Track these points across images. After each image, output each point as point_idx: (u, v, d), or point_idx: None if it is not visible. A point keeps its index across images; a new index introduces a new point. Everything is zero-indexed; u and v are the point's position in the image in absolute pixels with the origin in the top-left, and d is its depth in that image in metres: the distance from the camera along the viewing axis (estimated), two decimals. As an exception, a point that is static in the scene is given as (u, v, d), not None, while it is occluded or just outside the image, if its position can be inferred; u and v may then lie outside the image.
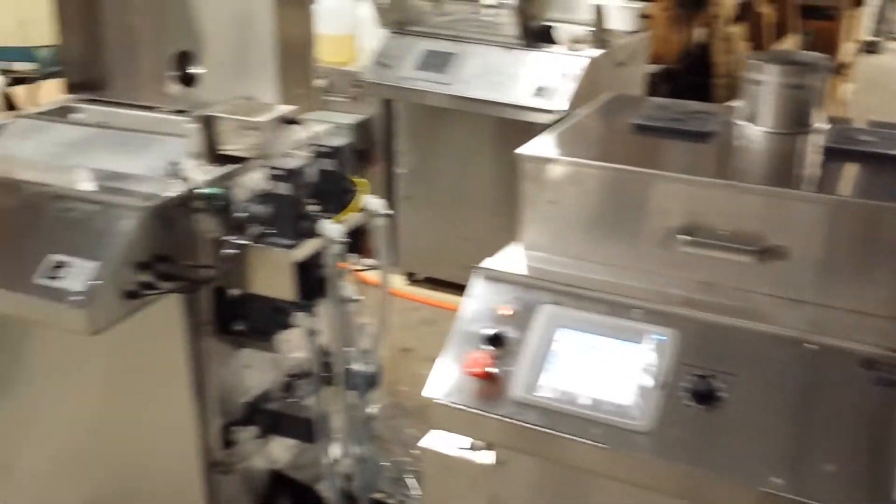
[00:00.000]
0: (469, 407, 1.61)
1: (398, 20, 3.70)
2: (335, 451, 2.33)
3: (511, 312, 1.68)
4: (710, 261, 1.66)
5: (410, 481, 2.75)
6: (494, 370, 1.62)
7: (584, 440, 1.54)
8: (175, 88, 2.62)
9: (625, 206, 1.74)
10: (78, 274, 1.88)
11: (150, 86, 2.66)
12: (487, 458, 1.77)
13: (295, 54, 2.44)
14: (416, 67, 3.59)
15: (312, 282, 2.19)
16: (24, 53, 5.44)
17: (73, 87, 2.72)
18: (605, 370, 1.59)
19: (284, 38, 2.42)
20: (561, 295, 1.68)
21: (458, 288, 3.99)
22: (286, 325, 2.21)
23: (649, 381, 1.55)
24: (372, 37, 3.99)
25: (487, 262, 1.78)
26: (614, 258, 1.74)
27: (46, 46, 5.52)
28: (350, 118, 3.92)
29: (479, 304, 1.70)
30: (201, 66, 2.59)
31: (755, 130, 1.91)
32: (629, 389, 1.56)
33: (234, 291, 2.20)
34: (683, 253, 1.67)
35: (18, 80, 4.68)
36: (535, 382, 1.61)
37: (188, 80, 2.64)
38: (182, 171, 2.08)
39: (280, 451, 2.52)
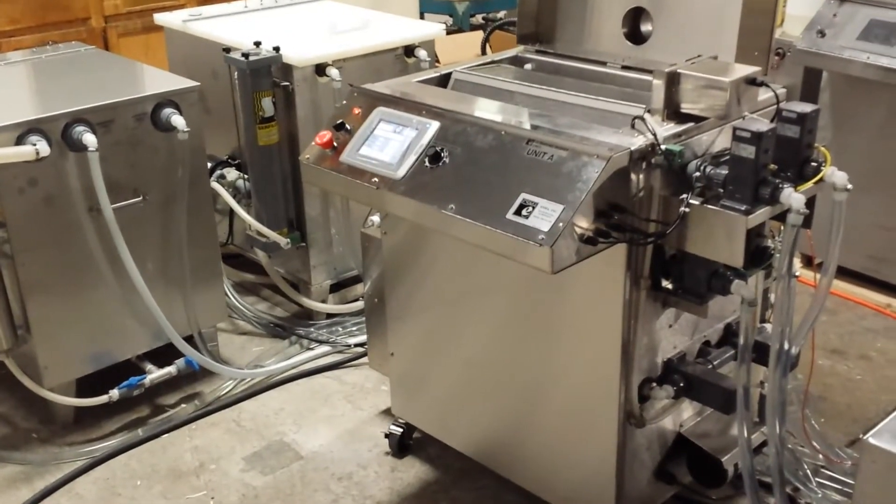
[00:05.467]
0: None
1: (841, -15, 3.44)
2: (750, 426, 2.26)
3: None
4: None
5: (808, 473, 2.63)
6: None
7: None
8: (625, 45, 2.66)
9: None
10: (544, 214, 1.97)
11: (598, 41, 2.72)
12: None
13: (756, 19, 2.34)
14: (857, 38, 3.32)
15: (755, 250, 2.14)
16: (445, 7, 5.91)
17: (522, 39, 2.87)
18: None
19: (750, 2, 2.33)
20: None
21: (861, 278, 3.72)
22: (723, 291, 2.17)
23: None
24: (801, 2, 3.76)
25: None
26: None
27: (464, 1, 5.97)
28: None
29: None
30: (654, 24, 2.59)
31: None
32: None
33: (670, 249, 2.21)
34: None
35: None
36: None
37: (638, 38, 2.66)
38: (645, 126, 2.10)
39: (684, 415, 2.52)
